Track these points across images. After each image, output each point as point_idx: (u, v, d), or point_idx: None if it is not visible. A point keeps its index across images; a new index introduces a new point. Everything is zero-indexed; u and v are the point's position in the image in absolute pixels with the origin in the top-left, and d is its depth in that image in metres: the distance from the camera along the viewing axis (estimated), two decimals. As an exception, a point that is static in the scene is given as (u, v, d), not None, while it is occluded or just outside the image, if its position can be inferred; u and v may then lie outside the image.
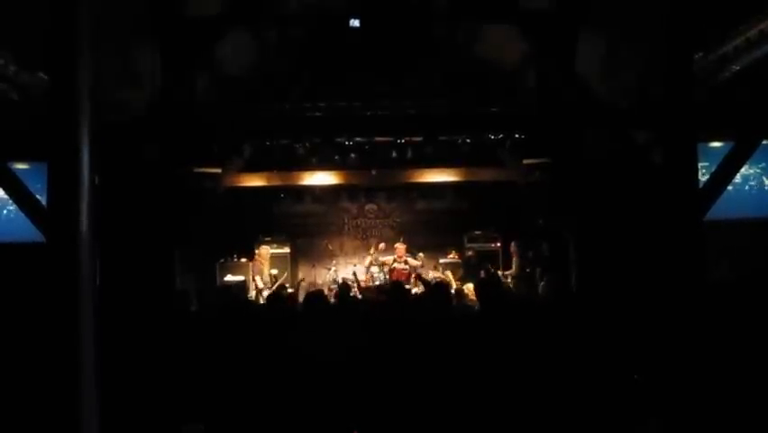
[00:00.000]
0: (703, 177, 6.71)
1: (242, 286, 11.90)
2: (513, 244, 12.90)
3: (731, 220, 8.31)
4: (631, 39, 9.60)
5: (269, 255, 12.66)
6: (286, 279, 12.88)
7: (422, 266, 13.06)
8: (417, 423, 4.68)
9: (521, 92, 12.46)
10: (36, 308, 4.57)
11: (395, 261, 12.82)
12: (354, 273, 12.81)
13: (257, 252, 12.60)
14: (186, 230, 11.14)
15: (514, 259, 12.72)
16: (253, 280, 12.19)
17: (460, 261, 13.68)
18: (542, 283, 11.00)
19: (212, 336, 5.57)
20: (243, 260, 13.05)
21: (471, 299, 8.13)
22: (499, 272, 12.52)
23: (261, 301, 11.05)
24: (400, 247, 12.92)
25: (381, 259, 13.11)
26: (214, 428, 4.99)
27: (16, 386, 5.63)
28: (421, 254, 13.38)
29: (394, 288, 7.28)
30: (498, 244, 13.88)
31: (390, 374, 4.84)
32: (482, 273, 11.84)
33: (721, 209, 6.70)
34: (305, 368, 4.91)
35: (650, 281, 7.82)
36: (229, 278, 12.93)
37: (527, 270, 12.36)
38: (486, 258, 13.43)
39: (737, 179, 7.65)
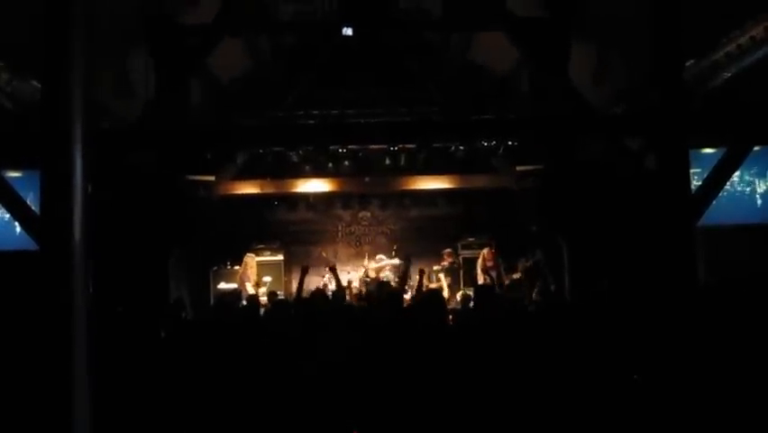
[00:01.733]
0: (696, 183, 6.75)
1: (237, 294, 11.90)
2: (487, 251, 12.69)
3: (723, 226, 8.33)
4: (623, 46, 9.65)
5: (255, 264, 12.67)
6: (269, 286, 12.81)
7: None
8: (417, 424, 4.69)
9: (514, 98, 12.50)
10: (29, 316, 4.56)
11: (380, 270, 12.94)
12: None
13: (244, 260, 12.59)
14: (179, 238, 11.12)
15: (488, 270, 12.52)
16: (242, 287, 12.21)
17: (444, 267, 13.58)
18: (535, 290, 10.99)
19: (206, 343, 5.57)
20: (237, 267, 13.04)
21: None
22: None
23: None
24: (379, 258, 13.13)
25: (376, 266, 13.14)
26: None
27: (9, 396, 5.60)
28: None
29: (390, 294, 7.30)
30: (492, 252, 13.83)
31: (389, 377, 4.85)
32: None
33: (713, 215, 6.74)
34: (303, 370, 4.92)
35: (643, 286, 7.84)
36: (223, 285, 12.96)
37: (518, 277, 12.27)
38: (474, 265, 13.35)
39: (729, 185, 7.67)
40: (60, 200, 4.02)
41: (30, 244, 6.19)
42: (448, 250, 13.56)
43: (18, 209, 6.60)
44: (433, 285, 12.54)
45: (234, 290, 12.06)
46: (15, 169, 7.81)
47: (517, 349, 5.09)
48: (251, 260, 12.61)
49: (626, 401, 5.13)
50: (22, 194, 6.72)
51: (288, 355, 5.14)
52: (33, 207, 6.56)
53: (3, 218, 8.60)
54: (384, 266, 13.01)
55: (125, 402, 5.03)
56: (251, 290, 11.85)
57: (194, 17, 9.82)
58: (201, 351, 5.46)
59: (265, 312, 7.88)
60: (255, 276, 12.44)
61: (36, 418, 4.03)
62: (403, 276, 11.30)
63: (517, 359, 4.98)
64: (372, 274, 12.92)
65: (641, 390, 5.28)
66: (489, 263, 12.45)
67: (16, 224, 7.45)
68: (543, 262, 12.19)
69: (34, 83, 8.30)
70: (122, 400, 5.00)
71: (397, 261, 13.00)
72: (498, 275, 12.24)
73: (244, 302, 11.25)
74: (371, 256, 13.71)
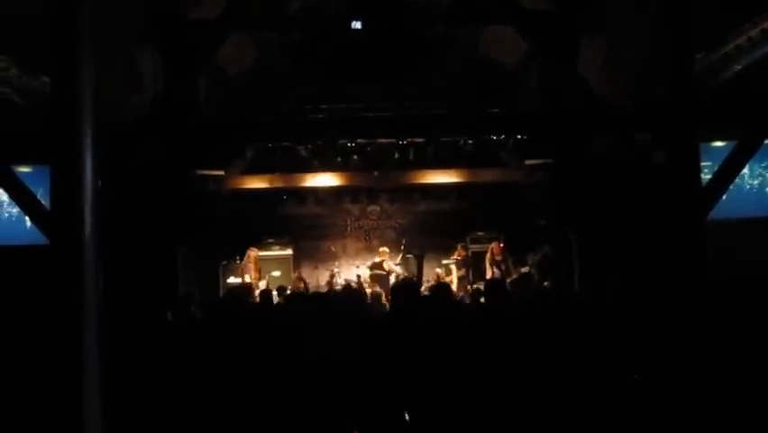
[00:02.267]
0: (706, 176, 6.72)
1: (247, 287, 11.96)
2: (496, 244, 12.70)
3: (733, 219, 8.30)
4: (632, 39, 9.61)
5: (256, 257, 12.79)
6: (278, 280, 12.91)
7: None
8: (418, 423, 4.69)
9: (523, 92, 12.47)
10: (40, 311, 4.58)
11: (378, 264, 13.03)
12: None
13: (247, 253, 12.65)
14: (189, 232, 11.15)
15: (497, 263, 12.55)
16: (242, 279, 12.33)
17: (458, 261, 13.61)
18: (545, 284, 10.99)
19: (215, 339, 5.58)
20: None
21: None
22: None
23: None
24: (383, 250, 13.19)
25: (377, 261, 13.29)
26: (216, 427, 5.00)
27: (19, 391, 5.63)
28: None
29: (398, 288, 7.33)
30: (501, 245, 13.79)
31: (391, 374, 4.85)
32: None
33: (722, 209, 6.71)
34: (305, 368, 4.92)
35: (653, 281, 7.82)
36: (232, 279, 13.02)
37: (526, 272, 12.26)
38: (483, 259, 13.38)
39: (738, 178, 7.63)
40: (71, 195, 4.04)
41: (40, 239, 6.22)
42: (462, 244, 13.61)
43: (28, 204, 6.62)
44: (447, 279, 12.66)
45: (243, 283, 12.14)
46: (26, 164, 7.84)
47: (524, 344, 5.09)
48: (254, 253, 12.70)
49: (632, 399, 5.12)
50: (32, 189, 6.75)
51: (297, 350, 5.15)
52: (44, 202, 6.59)
53: (13, 213, 8.65)
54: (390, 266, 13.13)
55: (136, 398, 5.05)
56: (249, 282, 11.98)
57: (202, 12, 9.83)
58: (209, 346, 5.47)
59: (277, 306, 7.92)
60: (255, 270, 12.53)
61: (47, 413, 4.05)
62: (419, 274, 11.38)
63: (522, 354, 4.98)
64: (387, 267, 12.98)
65: (643, 389, 5.27)
66: (498, 257, 12.49)
67: (27, 218, 7.48)
68: (551, 256, 12.16)
69: (44, 78, 8.33)
70: (132, 396, 5.02)
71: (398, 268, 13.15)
72: (507, 268, 12.26)
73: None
74: (378, 251, 13.80)
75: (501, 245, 12.65)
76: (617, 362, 5.30)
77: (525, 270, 12.26)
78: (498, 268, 12.14)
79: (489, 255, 12.71)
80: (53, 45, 4.25)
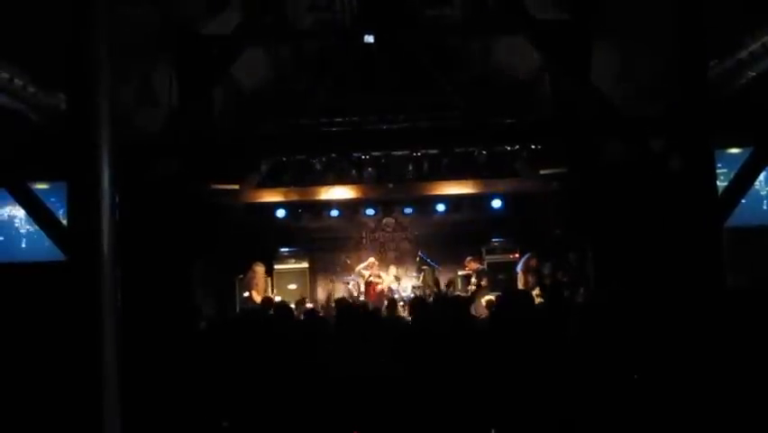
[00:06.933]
0: (722, 183, 6.68)
1: (267, 302, 12.00)
2: (535, 260, 12.65)
3: (751, 227, 8.23)
4: (646, 47, 9.59)
5: (263, 272, 12.84)
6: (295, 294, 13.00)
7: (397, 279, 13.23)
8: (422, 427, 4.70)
9: (537, 102, 12.46)
10: (59, 327, 4.61)
11: (370, 275, 13.00)
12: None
13: (253, 268, 12.67)
14: (205, 246, 11.18)
15: (529, 275, 12.51)
16: (250, 295, 12.33)
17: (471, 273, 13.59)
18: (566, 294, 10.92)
19: (229, 349, 5.60)
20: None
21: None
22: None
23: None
24: (372, 261, 13.20)
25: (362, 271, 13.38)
26: None
27: (41, 405, 5.66)
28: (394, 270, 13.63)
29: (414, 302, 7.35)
30: (516, 255, 13.75)
31: (399, 382, 4.87)
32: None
33: (741, 215, 6.67)
34: (314, 374, 4.95)
35: (670, 289, 7.77)
36: (248, 294, 13.04)
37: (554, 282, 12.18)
38: (502, 269, 13.36)
39: (757, 184, 7.58)
40: (88, 211, 4.06)
41: (58, 255, 6.27)
42: (472, 256, 13.57)
43: (46, 221, 6.68)
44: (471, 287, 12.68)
45: (265, 298, 12.19)
46: (42, 180, 7.89)
47: (531, 352, 5.08)
48: (260, 268, 12.72)
49: (636, 405, 5.10)
50: (49, 205, 6.81)
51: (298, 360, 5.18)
52: (61, 219, 6.65)
53: (32, 229, 8.69)
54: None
55: (155, 409, 5.06)
56: (257, 298, 11.97)
57: (216, 27, 9.90)
58: (222, 358, 5.49)
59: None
60: (263, 285, 12.59)
61: (67, 427, 4.07)
62: (437, 284, 11.38)
63: (529, 362, 4.97)
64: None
65: (644, 390, 5.23)
66: (533, 266, 12.47)
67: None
68: (574, 265, 12.04)
69: (60, 95, 8.39)
70: (151, 408, 5.03)
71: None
72: (538, 280, 12.20)
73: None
74: (395, 262, 13.84)
75: (537, 260, 12.59)
76: (634, 368, 5.27)
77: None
78: (533, 276, 12.13)
79: (524, 263, 12.71)
80: (69, 61, 4.29)
